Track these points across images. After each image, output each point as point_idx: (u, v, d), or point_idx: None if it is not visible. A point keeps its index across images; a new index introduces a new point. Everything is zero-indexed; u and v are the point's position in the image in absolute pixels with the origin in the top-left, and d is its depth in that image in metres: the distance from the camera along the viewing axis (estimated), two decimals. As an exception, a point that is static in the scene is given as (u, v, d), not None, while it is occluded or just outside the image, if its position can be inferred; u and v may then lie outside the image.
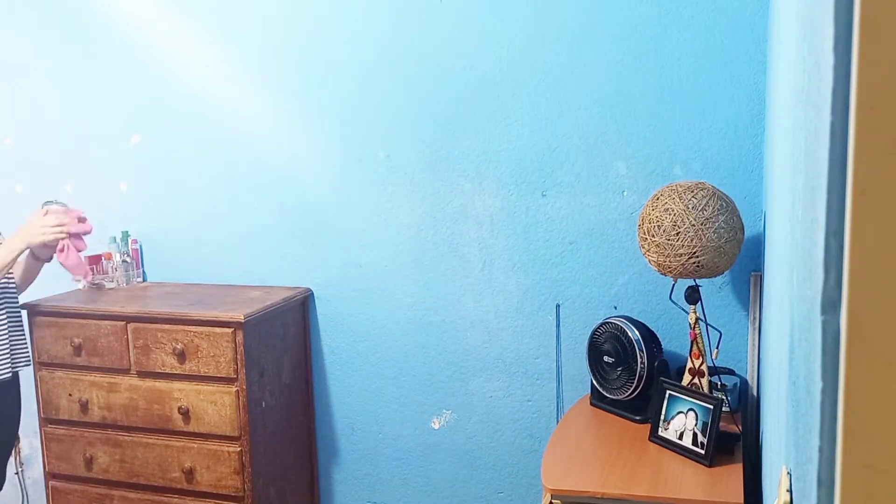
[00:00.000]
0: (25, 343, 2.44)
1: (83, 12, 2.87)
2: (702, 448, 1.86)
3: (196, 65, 2.77)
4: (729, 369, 2.29)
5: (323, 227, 2.72)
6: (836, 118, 0.50)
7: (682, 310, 2.19)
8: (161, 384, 2.48)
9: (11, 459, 2.55)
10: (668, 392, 2.00)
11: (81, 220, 2.27)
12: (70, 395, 2.58)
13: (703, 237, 1.90)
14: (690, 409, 1.93)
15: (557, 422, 2.51)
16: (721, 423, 1.87)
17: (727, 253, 1.93)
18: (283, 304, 2.57)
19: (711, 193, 1.95)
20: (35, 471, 3.07)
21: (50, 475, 2.68)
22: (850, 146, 0.48)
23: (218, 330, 2.39)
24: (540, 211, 2.47)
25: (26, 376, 2.72)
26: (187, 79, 2.78)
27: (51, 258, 2.33)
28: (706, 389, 2.05)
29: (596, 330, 2.25)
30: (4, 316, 2.34)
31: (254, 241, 2.81)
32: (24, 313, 2.50)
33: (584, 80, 2.36)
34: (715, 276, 2.01)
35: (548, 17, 2.37)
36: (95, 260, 2.83)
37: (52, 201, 2.29)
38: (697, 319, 2.06)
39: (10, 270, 2.30)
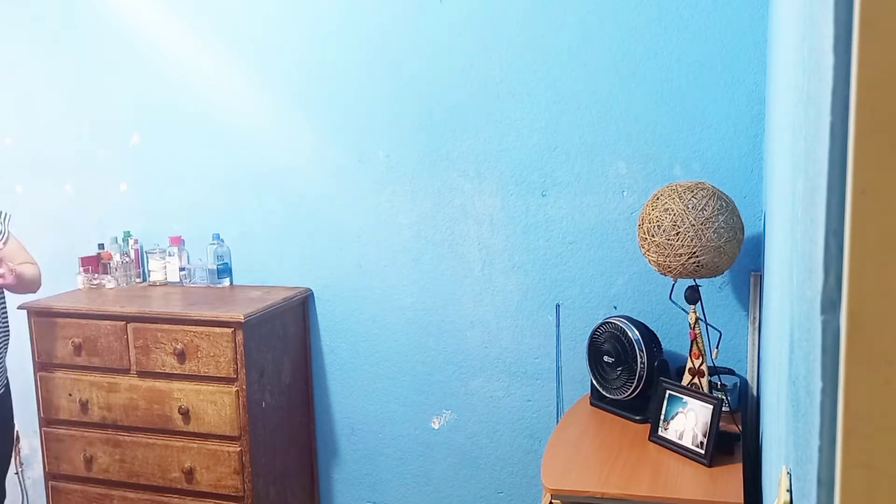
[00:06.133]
0: None
1: (83, 13, 2.86)
2: (702, 448, 1.86)
3: (196, 65, 2.77)
4: (729, 369, 2.29)
5: (323, 227, 2.72)
6: (836, 118, 0.50)
7: (682, 310, 2.19)
8: (161, 384, 2.48)
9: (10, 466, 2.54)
10: (668, 392, 2.00)
11: None
12: (70, 395, 2.58)
13: (702, 237, 1.90)
14: (690, 409, 1.93)
15: (557, 422, 2.51)
16: (721, 423, 1.87)
17: (727, 253, 1.93)
18: (283, 304, 2.57)
19: (711, 193, 1.95)
20: (35, 471, 3.07)
21: (50, 475, 2.68)
22: (850, 146, 0.48)
23: (218, 330, 2.39)
24: (540, 211, 2.47)
25: (26, 377, 2.73)
26: (187, 79, 2.78)
27: None
28: (706, 389, 2.05)
29: (596, 330, 2.25)
30: None
31: (254, 241, 2.81)
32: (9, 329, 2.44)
33: (584, 80, 2.36)
34: (715, 276, 2.01)
35: (548, 18, 2.37)
36: (94, 260, 2.84)
37: None
38: (697, 319, 2.06)
39: None
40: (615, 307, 2.43)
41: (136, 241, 2.91)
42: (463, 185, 2.54)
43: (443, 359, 2.65)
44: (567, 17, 2.35)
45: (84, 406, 2.57)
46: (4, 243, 2.34)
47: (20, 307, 2.61)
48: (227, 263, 2.81)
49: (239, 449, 2.42)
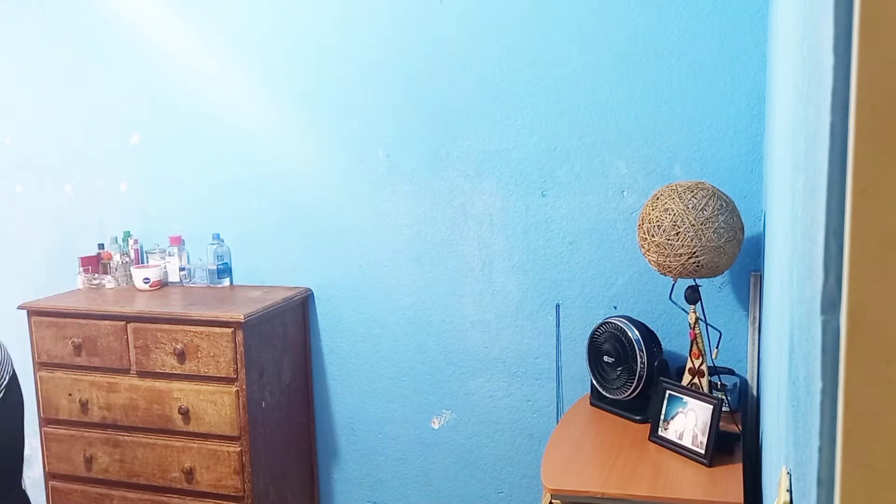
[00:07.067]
0: None
1: (83, 12, 2.86)
2: (702, 448, 1.86)
3: (196, 65, 2.77)
4: (729, 369, 2.29)
5: (323, 227, 2.72)
6: (836, 118, 0.50)
7: (682, 310, 2.19)
8: (161, 384, 2.48)
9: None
10: (668, 392, 2.00)
11: None
12: (70, 395, 2.58)
13: (702, 237, 1.90)
14: (690, 409, 1.93)
15: (557, 422, 2.51)
16: (721, 423, 1.87)
17: (727, 253, 1.93)
18: (283, 304, 2.57)
19: (711, 193, 1.95)
20: (35, 471, 3.06)
21: (50, 475, 2.68)
22: (850, 146, 0.48)
23: (218, 330, 2.39)
24: (540, 211, 2.47)
25: (26, 377, 2.72)
26: (187, 79, 2.78)
27: None
28: (706, 389, 2.05)
29: (596, 330, 2.25)
30: None
31: (254, 241, 2.81)
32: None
33: (584, 80, 2.36)
34: (715, 276, 2.01)
35: (548, 18, 2.37)
36: (94, 260, 2.84)
37: None
38: (697, 319, 2.06)
39: None
40: (615, 307, 2.43)
41: (136, 241, 2.91)
42: (463, 185, 2.54)
43: (443, 359, 2.65)
44: (567, 17, 2.35)
45: (84, 406, 2.57)
46: None
47: (20, 307, 2.61)
48: (227, 263, 2.81)
49: (239, 449, 2.42)
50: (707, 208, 1.92)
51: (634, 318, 2.23)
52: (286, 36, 2.65)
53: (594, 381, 2.25)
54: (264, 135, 2.73)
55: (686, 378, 2.09)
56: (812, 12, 0.69)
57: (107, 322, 2.51)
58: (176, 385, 2.46)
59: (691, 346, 2.08)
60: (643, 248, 2.03)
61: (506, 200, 2.50)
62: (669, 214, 1.94)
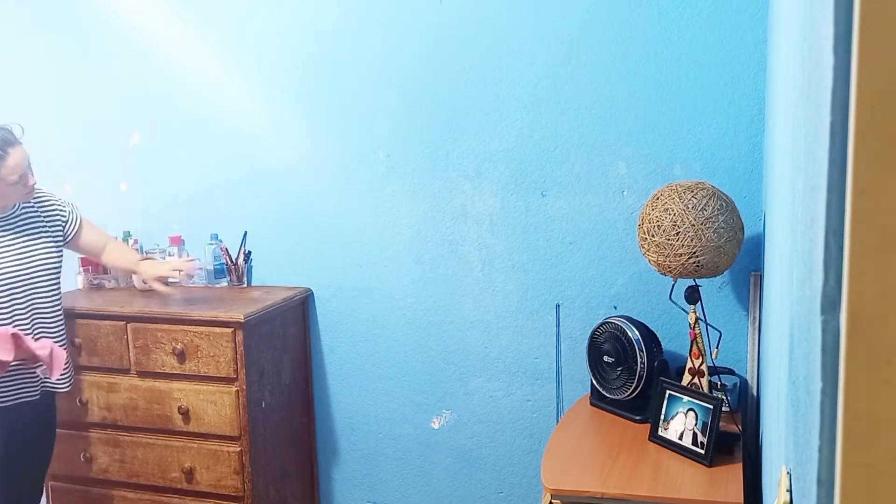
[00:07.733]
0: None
1: (83, 12, 2.86)
2: (702, 448, 1.86)
3: (196, 64, 2.77)
4: (729, 369, 2.29)
5: (323, 227, 2.72)
6: (836, 118, 0.50)
7: (682, 310, 2.19)
8: (161, 384, 2.48)
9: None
10: (668, 392, 2.00)
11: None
12: (70, 394, 2.58)
13: (702, 237, 1.90)
14: (690, 409, 1.93)
15: (557, 422, 2.51)
16: (721, 423, 1.87)
17: (727, 253, 1.93)
18: (282, 304, 2.57)
19: (711, 193, 1.95)
20: (35, 471, 3.06)
21: (50, 475, 2.67)
22: (850, 146, 0.48)
23: (218, 330, 2.39)
24: (540, 211, 2.47)
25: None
26: (187, 79, 2.78)
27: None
28: (706, 389, 2.05)
29: (596, 330, 2.25)
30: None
31: (254, 240, 2.80)
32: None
33: (584, 80, 2.36)
34: (715, 276, 2.01)
35: (548, 17, 2.37)
36: (93, 260, 2.83)
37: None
38: (697, 319, 2.06)
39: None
40: (615, 307, 2.43)
41: (135, 241, 2.91)
42: (463, 185, 2.54)
43: (443, 359, 2.65)
44: (567, 17, 2.35)
45: (84, 406, 2.57)
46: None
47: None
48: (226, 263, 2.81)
49: (239, 449, 2.42)
50: (707, 208, 1.92)
51: (634, 318, 2.23)
52: (286, 36, 2.65)
53: (594, 381, 2.25)
54: (264, 135, 2.73)
55: (686, 378, 2.09)
56: (812, 12, 0.69)
57: (107, 322, 2.51)
58: (176, 385, 2.46)
59: (691, 346, 2.08)
60: (643, 248, 2.03)
61: (506, 200, 2.50)
62: (669, 214, 1.94)
